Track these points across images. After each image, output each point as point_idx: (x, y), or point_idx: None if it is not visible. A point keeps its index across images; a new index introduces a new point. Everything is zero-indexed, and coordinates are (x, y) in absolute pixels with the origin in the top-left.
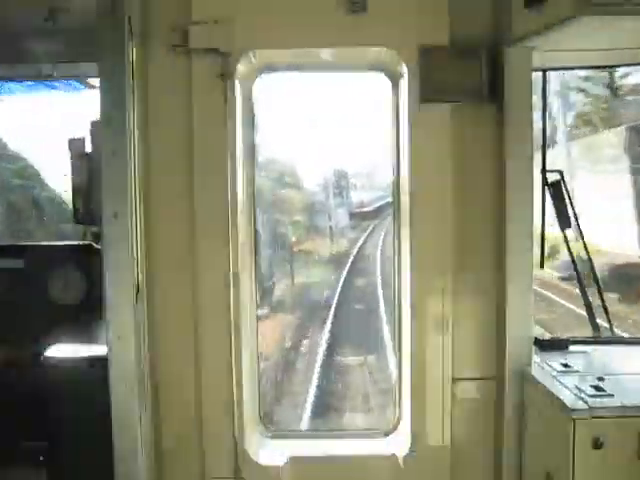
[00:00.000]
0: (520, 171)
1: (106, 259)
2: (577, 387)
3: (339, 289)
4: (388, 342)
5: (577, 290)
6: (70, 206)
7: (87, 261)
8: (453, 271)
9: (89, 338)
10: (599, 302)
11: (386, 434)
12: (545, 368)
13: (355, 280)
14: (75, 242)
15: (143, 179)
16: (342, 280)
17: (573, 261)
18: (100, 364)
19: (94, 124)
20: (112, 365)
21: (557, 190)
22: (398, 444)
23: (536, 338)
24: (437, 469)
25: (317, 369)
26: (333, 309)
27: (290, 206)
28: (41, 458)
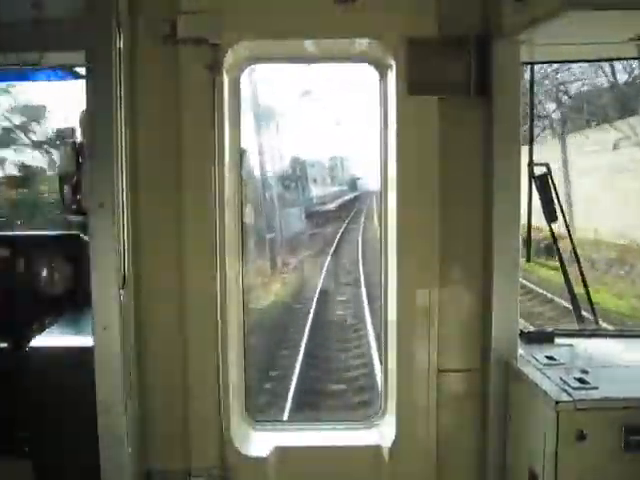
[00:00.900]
0: (508, 164)
1: (92, 249)
2: (561, 379)
3: None
4: None
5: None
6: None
7: (74, 251)
8: (439, 263)
9: (75, 328)
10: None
11: (371, 425)
12: (530, 360)
13: None
14: (62, 232)
15: (130, 169)
16: None
17: (558, 254)
18: (86, 354)
19: (83, 113)
20: (98, 355)
21: (544, 183)
22: (383, 435)
23: (521, 331)
24: (422, 460)
25: None
26: None
27: None
28: (26, 449)
